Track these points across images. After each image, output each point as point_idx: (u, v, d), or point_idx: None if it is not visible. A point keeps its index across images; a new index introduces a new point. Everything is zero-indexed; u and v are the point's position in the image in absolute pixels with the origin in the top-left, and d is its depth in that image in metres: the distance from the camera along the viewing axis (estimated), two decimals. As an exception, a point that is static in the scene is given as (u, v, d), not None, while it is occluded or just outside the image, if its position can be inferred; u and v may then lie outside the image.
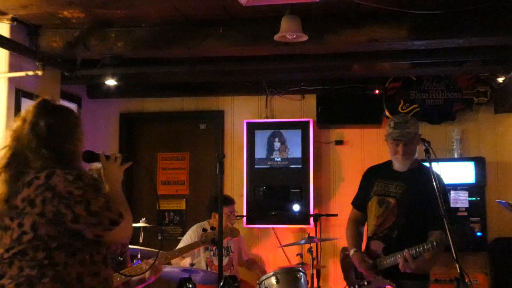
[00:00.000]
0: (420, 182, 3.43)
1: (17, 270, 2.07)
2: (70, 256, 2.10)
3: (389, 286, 3.39)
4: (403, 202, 3.46)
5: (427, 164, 3.42)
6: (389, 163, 3.66)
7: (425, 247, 3.22)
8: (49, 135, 2.18)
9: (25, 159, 2.16)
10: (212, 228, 3.75)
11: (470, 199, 5.54)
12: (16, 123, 2.24)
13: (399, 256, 3.29)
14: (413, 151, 3.49)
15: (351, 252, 3.62)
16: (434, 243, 3.18)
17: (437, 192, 3.00)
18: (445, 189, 3.46)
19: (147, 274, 3.30)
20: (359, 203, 3.77)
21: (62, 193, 2.07)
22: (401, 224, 3.44)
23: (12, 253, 2.08)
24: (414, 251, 3.24)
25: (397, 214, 3.46)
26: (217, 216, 3.55)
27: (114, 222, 2.15)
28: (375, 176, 3.67)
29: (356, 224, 3.77)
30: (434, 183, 3.01)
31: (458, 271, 2.76)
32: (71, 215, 2.07)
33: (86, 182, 2.12)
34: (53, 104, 2.29)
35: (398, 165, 3.55)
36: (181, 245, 4.54)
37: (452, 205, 5.44)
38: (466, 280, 2.75)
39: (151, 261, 3.35)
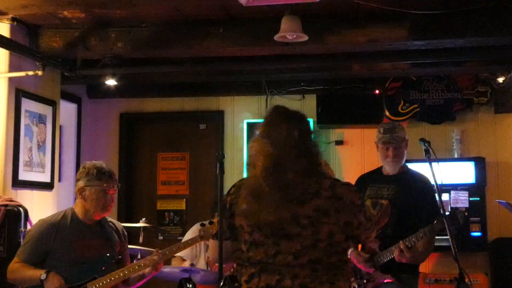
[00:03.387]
0: (410, 184, 3.64)
1: (309, 270, 2.25)
2: (346, 254, 2.43)
3: (389, 280, 3.48)
4: (395, 202, 3.61)
5: (414, 169, 3.75)
6: (379, 170, 3.85)
7: (419, 235, 3.33)
8: (303, 143, 2.37)
9: (284, 167, 2.31)
10: (211, 222, 3.69)
11: (470, 199, 5.54)
12: (264, 131, 2.38)
13: (395, 248, 3.39)
14: (402, 155, 3.69)
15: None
16: (427, 231, 3.30)
17: (437, 193, 3.09)
18: (434, 192, 3.54)
19: (146, 270, 3.33)
20: None
21: (348, 203, 2.33)
22: (394, 222, 3.58)
23: (306, 260, 2.25)
24: (408, 241, 3.36)
25: (390, 214, 3.61)
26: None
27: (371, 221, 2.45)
28: (367, 182, 3.85)
29: None
30: (435, 184, 3.05)
31: (458, 271, 2.78)
32: (357, 222, 2.35)
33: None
34: (291, 110, 2.48)
35: (388, 169, 3.74)
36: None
37: (452, 205, 5.46)
38: (466, 280, 2.78)
39: (150, 258, 3.36)
